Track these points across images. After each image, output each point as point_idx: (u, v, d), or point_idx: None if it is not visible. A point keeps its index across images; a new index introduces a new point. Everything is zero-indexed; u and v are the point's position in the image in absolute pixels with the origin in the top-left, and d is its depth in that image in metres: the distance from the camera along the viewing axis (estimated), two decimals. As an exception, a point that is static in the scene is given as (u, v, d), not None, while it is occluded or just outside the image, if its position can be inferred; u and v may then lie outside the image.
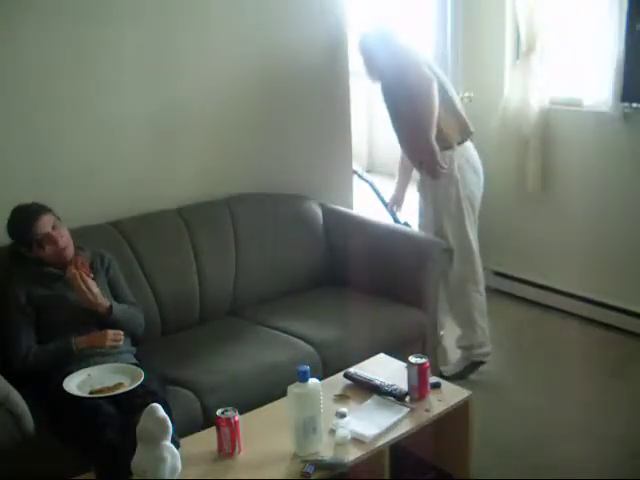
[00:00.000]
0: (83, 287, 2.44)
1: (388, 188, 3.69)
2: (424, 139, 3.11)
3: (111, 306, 2.51)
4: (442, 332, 3.72)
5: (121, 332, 2.51)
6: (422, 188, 3.46)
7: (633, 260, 3.71)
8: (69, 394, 2.24)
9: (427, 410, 2.33)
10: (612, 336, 3.73)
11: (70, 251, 2.53)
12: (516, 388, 3.30)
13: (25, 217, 2.48)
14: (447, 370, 3.33)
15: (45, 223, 2.47)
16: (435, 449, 2.56)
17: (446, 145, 3.20)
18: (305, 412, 2.08)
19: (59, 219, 2.54)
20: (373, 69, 3.28)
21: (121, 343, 2.50)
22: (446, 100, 3.20)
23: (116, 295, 2.65)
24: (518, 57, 3.91)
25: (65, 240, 2.51)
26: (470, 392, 2.47)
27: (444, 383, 2.49)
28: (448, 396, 2.42)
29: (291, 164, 3.60)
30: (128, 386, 2.29)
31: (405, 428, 2.25)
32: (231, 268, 3.15)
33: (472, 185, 3.29)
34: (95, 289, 2.47)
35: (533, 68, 3.84)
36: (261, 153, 3.48)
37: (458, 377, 3.26)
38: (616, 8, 3.49)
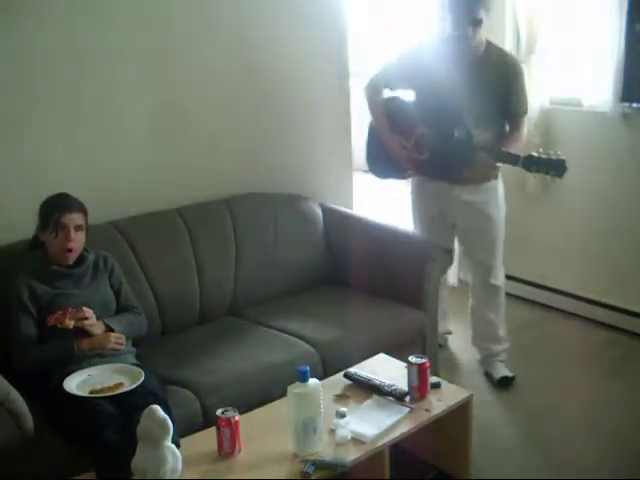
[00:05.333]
0: (94, 331, 2.46)
1: (388, 188, 3.69)
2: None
3: (110, 328, 2.51)
4: (448, 336, 3.73)
5: (123, 336, 2.51)
6: (446, 201, 3.27)
7: (634, 260, 3.71)
8: (69, 394, 2.24)
9: (427, 410, 2.33)
10: (613, 336, 3.73)
11: (74, 256, 2.53)
12: (516, 388, 3.30)
13: (65, 202, 2.51)
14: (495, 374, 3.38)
15: (74, 219, 2.49)
16: (435, 449, 2.56)
17: (497, 174, 3.21)
18: (305, 412, 2.08)
19: (86, 223, 2.55)
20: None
21: (123, 347, 2.51)
22: None
23: (118, 298, 2.65)
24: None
25: (75, 244, 2.51)
26: (470, 392, 2.47)
27: (444, 383, 2.49)
28: (448, 396, 2.42)
29: (291, 164, 3.60)
30: (128, 386, 2.29)
31: (405, 428, 2.25)
32: (231, 268, 3.15)
33: None
34: (95, 330, 2.46)
35: (533, 69, 3.84)
36: (261, 153, 3.48)
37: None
38: (616, 8, 3.49)
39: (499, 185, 3.26)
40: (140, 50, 3.04)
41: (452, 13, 3.01)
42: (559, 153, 2.83)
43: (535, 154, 2.84)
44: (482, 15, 2.95)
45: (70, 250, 2.50)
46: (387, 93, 3.33)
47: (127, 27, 2.99)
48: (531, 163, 2.85)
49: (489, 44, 3.10)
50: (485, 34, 3.05)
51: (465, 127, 3.02)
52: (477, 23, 2.95)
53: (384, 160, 3.33)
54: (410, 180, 3.44)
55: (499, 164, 3.12)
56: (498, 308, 3.40)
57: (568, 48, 3.87)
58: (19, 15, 2.71)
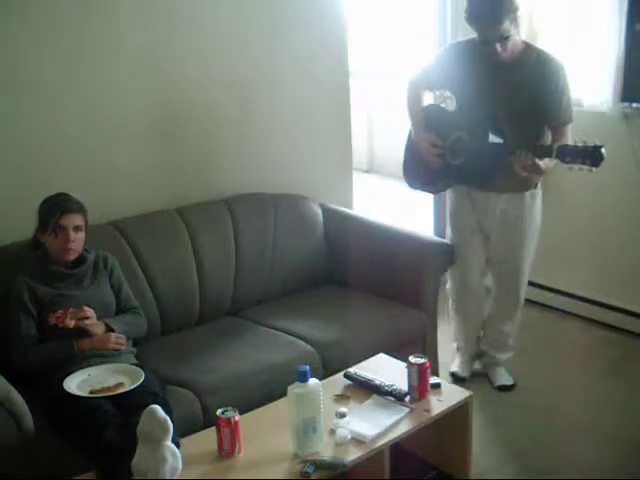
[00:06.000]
0: (94, 331, 2.47)
1: (388, 188, 3.69)
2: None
3: (110, 328, 2.51)
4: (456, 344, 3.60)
5: (123, 336, 2.52)
6: (484, 211, 3.13)
7: (633, 260, 3.71)
8: (69, 394, 2.24)
9: (427, 410, 2.33)
10: (612, 336, 3.73)
11: (74, 256, 2.54)
12: (516, 388, 3.30)
13: (64, 204, 2.50)
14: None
15: (73, 220, 2.49)
16: (435, 449, 2.56)
17: (536, 182, 3.06)
18: (305, 412, 2.08)
19: (86, 223, 2.55)
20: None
21: (123, 347, 2.51)
22: None
23: (118, 298, 2.65)
24: (518, 57, 3.91)
25: (76, 244, 2.51)
26: (470, 392, 2.47)
27: (444, 383, 2.49)
28: (448, 396, 2.42)
29: (291, 164, 3.60)
30: (128, 386, 2.29)
31: (405, 428, 2.25)
32: (231, 268, 3.15)
33: None
34: (96, 329, 2.47)
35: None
36: (261, 153, 3.48)
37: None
38: (616, 8, 3.49)
39: (537, 195, 3.12)
40: (140, 49, 3.04)
41: (477, 31, 2.85)
42: (596, 141, 2.65)
43: (570, 143, 2.72)
44: (508, 27, 2.77)
45: (70, 251, 2.51)
46: (428, 95, 3.22)
47: (126, 26, 2.99)
48: (565, 153, 2.69)
49: (527, 46, 2.93)
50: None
51: (500, 132, 2.89)
52: (504, 38, 2.79)
53: (419, 170, 3.20)
54: (449, 190, 3.26)
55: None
56: (515, 320, 3.30)
57: (568, 48, 3.87)
58: (19, 14, 2.71)
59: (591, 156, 2.65)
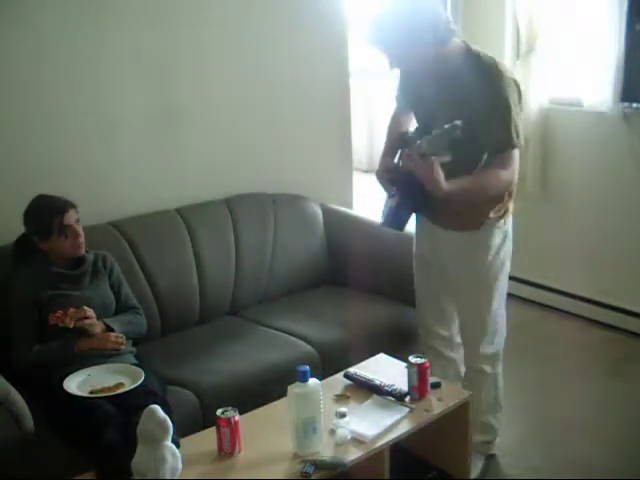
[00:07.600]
0: (94, 330, 2.47)
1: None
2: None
3: (109, 327, 2.51)
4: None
5: (123, 336, 2.51)
6: (435, 241, 2.66)
7: (633, 260, 3.71)
8: (69, 394, 2.24)
9: (427, 410, 2.33)
10: (612, 336, 3.73)
11: (84, 249, 2.55)
12: (516, 388, 3.30)
13: (58, 204, 2.50)
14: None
15: (72, 215, 2.50)
16: (435, 449, 2.56)
17: (489, 219, 2.51)
18: (305, 412, 2.08)
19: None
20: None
21: (123, 347, 2.51)
22: None
23: (117, 298, 2.65)
24: (518, 57, 3.92)
25: (83, 237, 2.53)
26: (470, 392, 2.47)
27: (444, 383, 2.49)
28: (448, 396, 2.41)
29: (291, 164, 3.60)
30: (128, 386, 2.29)
31: (405, 428, 2.25)
32: (231, 268, 3.15)
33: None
34: (95, 329, 2.46)
35: (533, 68, 3.84)
36: (261, 153, 3.48)
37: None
38: (616, 8, 3.50)
39: (495, 233, 2.52)
40: (140, 50, 3.04)
41: None
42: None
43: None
44: (387, 47, 2.31)
45: (82, 244, 2.53)
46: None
47: (127, 26, 2.99)
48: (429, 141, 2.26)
49: (468, 51, 2.37)
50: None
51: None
52: (392, 58, 2.34)
53: (387, 207, 2.62)
54: None
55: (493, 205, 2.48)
56: (489, 398, 2.74)
57: (568, 48, 3.87)
58: (16, 15, 2.71)
59: (449, 134, 2.20)
